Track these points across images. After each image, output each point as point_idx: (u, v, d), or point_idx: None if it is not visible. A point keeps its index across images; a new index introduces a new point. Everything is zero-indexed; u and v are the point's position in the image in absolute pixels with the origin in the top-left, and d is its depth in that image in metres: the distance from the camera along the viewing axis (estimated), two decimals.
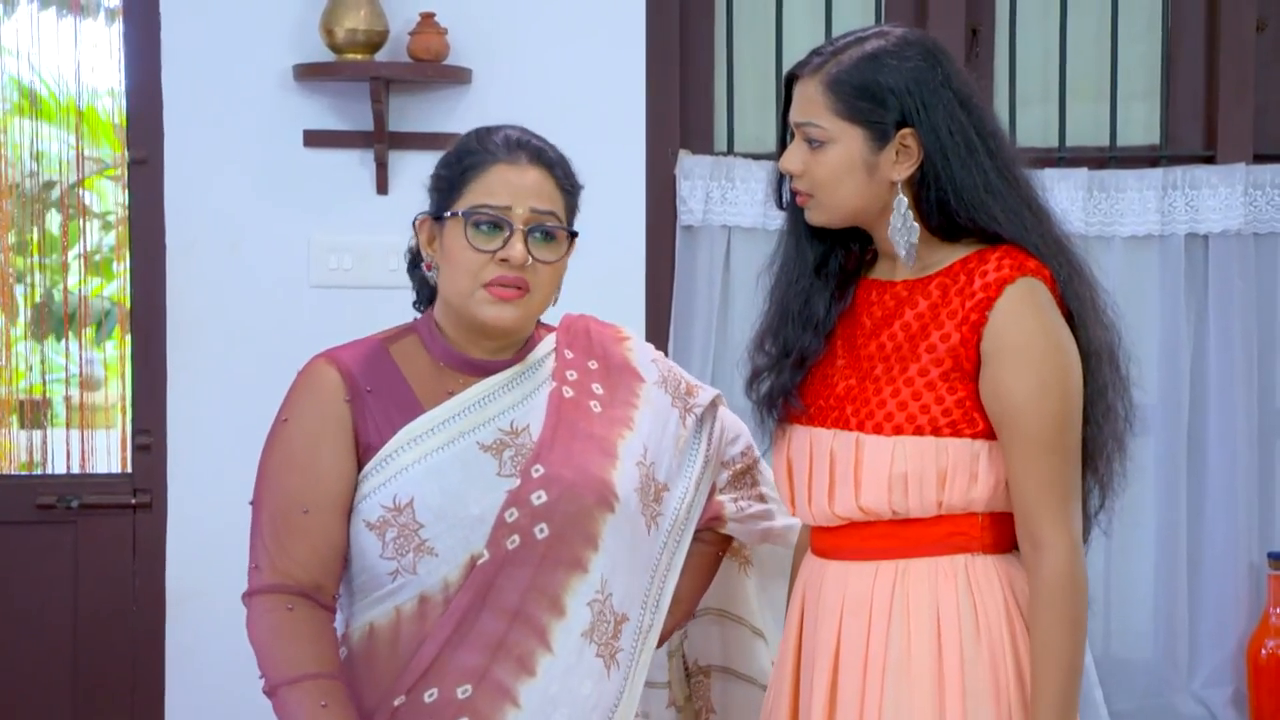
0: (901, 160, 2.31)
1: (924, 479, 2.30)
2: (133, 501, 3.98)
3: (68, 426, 4.12)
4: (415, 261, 2.49)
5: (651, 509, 2.44)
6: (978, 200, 2.30)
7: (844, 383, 2.38)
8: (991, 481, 2.32)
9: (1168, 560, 4.13)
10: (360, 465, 2.35)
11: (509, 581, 2.33)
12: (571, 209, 2.42)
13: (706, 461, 2.55)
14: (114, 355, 4.27)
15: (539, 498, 2.35)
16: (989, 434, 2.31)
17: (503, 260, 2.32)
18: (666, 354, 3.90)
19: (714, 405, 2.60)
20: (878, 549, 2.35)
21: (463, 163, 2.37)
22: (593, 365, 2.49)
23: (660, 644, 2.52)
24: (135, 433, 3.98)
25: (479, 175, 2.35)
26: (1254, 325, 4.14)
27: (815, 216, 2.38)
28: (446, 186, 2.38)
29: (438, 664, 2.32)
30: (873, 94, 2.29)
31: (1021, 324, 2.26)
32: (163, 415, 3.94)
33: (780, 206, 2.45)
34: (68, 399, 4.14)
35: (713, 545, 2.62)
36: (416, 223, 2.44)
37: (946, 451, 2.30)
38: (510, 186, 2.34)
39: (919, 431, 2.30)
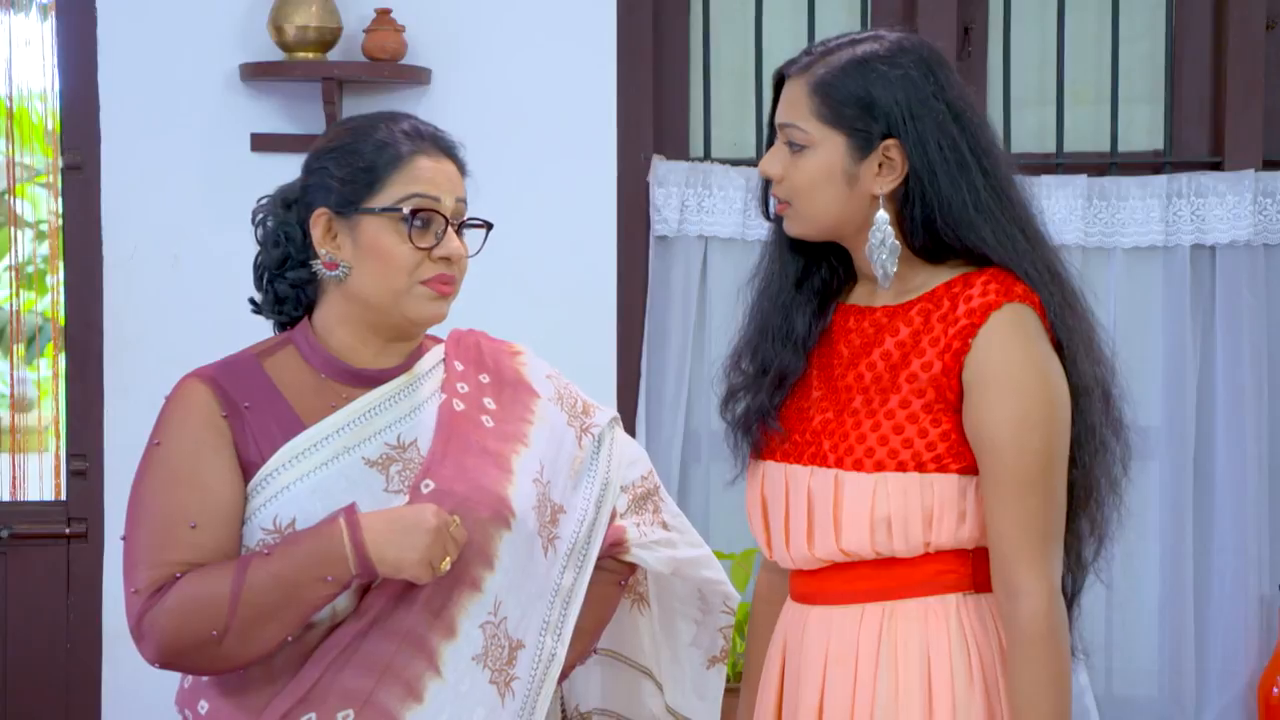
0: (884, 173, 2.27)
1: (909, 519, 2.24)
2: (67, 531, 3.96)
3: None
4: (280, 267, 2.39)
5: (548, 530, 2.41)
6: (966, 219, 2.26)
7: (820, 416, 2.33)
8: (982, 519, 2.26)
9: (1173, 593, 4.11)
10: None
11: (399, 601, 2.29)
12: None
13: (606, 484, 2.52)
14: (47, 374, 4.28)
15: None
16: (977, 469, 2.26)
17: (441, 257, 2.33)
18: (639, 373, 3.92)
19: (611, 425, 2.58)
20: (863, 590, 2.29)
21: (383, 153, 2.34)
22: (484, 379, 2.47)
23: (564, 678, 2.48)
24: (70, 457, 3.96)
25: (401, 167, 2.33)
26: (1264, 342, 4.12)
27: (792, 227, 2.33)
28: (360, 179, 2.34)
29: (319, 687, 2.27)
30: (858, 100, 2.26)
31: (1005, 353, 2.22)
32: (99, 439, 3.91)
33: (766, 217, 2.42)
34: None
35: (616, 574, 2.56)
36: (312, 218, 2.35)
37: (932, 488, 2.24)
38: (435, 178, 2.34)
39: (902, 467, 2.24)
